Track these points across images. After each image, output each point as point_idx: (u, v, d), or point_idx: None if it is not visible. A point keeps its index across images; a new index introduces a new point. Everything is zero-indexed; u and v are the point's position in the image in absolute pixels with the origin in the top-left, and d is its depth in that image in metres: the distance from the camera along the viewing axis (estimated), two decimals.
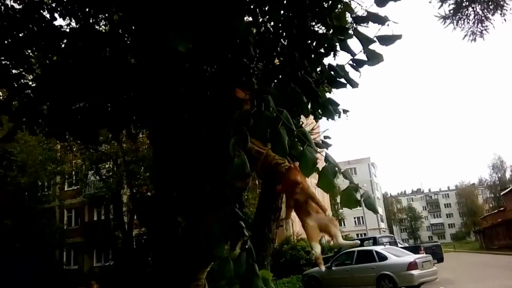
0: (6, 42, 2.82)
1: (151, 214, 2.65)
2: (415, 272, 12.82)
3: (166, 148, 2.56)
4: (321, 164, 1.93)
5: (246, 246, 2.02)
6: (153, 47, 2.11)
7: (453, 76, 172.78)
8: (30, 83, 2.75)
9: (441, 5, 8.05)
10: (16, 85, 2.40)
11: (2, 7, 4.24)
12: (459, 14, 8.15)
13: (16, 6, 4.66)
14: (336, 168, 1.76)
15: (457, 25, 8.22)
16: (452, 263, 22.21)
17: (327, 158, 1.78)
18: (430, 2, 7.74)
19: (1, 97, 2.58)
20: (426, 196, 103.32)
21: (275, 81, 2.88)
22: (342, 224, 60.22)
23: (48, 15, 3.67)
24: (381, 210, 70.47)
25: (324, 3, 2.98)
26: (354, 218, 64.04)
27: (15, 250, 22.52)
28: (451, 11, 8.10)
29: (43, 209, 25.96)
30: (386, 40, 2.55)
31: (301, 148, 1.93)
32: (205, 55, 2.35)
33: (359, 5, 7.45)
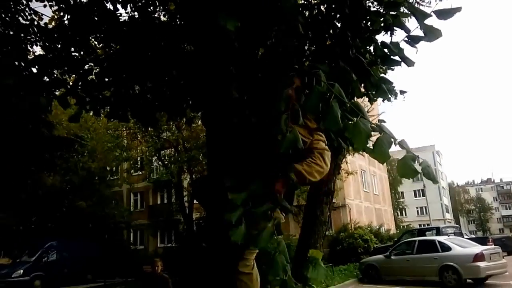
0: (73, 33, 3.04)
1: (206, 193, 2.77)
2: (481, 264, 12.09)
3: (217, 129, 2.65)
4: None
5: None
6: (205, 28, 2.19)
7: None
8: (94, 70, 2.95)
9: None
10: (81, 71, 2.60)
11: (71, 1, 4.58)
12: None
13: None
14: (392, 139, 1.69)
15: None
16: None
17: (381, 128, 1.73)
18: None
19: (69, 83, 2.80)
20: (497, 186, 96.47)
21: (326, 61, 2.85)
22: (404, 213, 58.14)
23: (111, 6, 3.91)
24: (446, 200, 66.97)
25: None
26: (417, 208, 61.53)
27: (88, 230, 24.41)
28: None
29: (112, 193, 27.84)
30: (444, 14, 2.42)
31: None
32: (253, 35, 2.38)
33: None
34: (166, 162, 21.99)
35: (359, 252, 20.63)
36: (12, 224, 22.33)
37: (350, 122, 2.79)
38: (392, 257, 14.73)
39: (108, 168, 26.19)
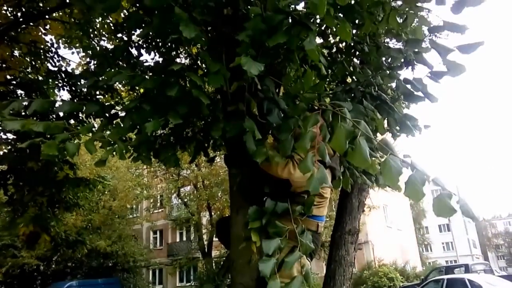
0: (99, 78, 3.13)
1: (228, 233, 2.72)
2: None
3: (240, 170, 2.64)
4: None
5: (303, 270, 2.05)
6: (227, 71, 2.24)
7: None
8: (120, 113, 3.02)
9: None
10: (107, 116, 2.66)
11: (98, 47, 4.78)
12: None
13: (109, 46, 5.21)
14: (425, 176, 1.62)
15: None
16: None
17: (413, 166, 1.67)
18: None
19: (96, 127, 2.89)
20: None
21: (348, 100, 2.85)
22: (429, 249, 55.98)
23: (135, 52, 4.05)
24: (473, 235, 64.36)
25: (398, 18, 2.90)
26: (443, 243, 59.21)
27: (107, 268, 24.28)
28: None
29: (132, 231, 27.83)
30: (467, 48, 2.41)
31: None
32: (275, 76, 2.41)
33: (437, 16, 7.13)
34: (185, 200, 21.98)
35: None
36: (34, 264, 22.43)
37: (373, 159, 2.75)
38: None
39: (128, 206, 26.33)
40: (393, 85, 3.01)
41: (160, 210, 28.56)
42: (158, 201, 26.21)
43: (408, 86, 2.77)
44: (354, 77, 3.14)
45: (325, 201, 2.63)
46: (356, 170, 3.35)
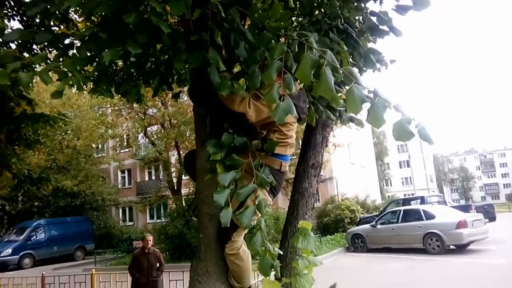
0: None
1: (194, 166, 2.75)
2: (464, 230, 12.53)
3: (204, 104, 2.61)
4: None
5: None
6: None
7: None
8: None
9: None
10: (62, 46, 2.50)
11: None
12: None
13: None
14: (387, 103, 1.64)
15: None
16: (505, 222, 21.38)
17: (376, 93, 1.68)
18: None
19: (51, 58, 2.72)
20: (480, 156, 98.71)
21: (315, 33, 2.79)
22: (389, 184, 59.27)
23: None
24: (431, 170, 68.34)
25: None
26: (402, 178, 62.75)
27: (75, 208, 24.36)
28: None
29: (99, 170, 27.67)
30: None
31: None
32: (241, 6, 2.32)
33: None
34: (153, 139, 21.77)
35: (346, 222, 21.08)
36: None
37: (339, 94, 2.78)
38: (378, 226, 15.11)
39: (94, 145, 25.87)
40: (360, 18, 2.97)
41: (127, 150, 28.29)
42: (125, 140, 25.88)
43: (374, 19, 2.74)
44: (321, 9, 3.07)
45: (288, 140, 2.58)
46: (320, 105, 3.38)
